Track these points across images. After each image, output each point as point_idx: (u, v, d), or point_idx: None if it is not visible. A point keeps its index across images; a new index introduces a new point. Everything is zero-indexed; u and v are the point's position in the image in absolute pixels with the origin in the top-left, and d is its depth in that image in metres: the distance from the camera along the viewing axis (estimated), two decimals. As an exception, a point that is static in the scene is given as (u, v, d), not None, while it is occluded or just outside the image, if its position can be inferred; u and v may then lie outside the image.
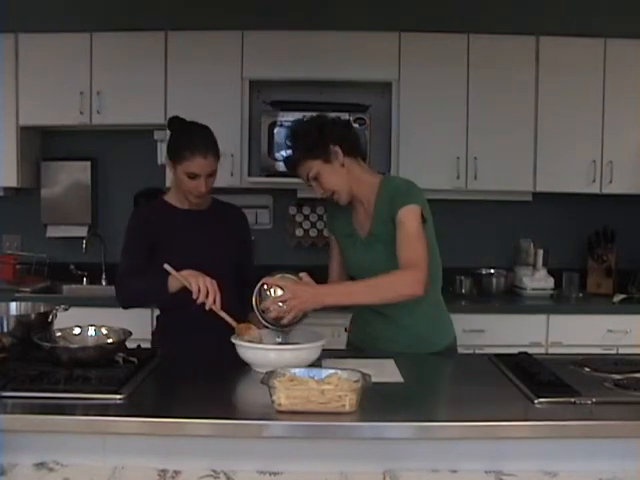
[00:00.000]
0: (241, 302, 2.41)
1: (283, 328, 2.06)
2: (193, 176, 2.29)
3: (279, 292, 2.01)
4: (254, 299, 2.06)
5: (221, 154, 2.37)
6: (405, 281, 2.06)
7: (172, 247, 2.33)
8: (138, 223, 2.40)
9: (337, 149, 2.20)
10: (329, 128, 2.23)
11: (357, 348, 2.39)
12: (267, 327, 2.07)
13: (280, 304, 1.98)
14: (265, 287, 2.05)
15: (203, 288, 2.05)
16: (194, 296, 2.05)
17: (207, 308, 2.05)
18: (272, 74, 3.70)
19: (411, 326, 2.28)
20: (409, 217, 2.13)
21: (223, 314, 2.06)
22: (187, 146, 2.28)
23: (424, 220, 2.16)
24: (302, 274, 2.07)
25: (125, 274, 2.30)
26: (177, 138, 2.34)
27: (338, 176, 2.22)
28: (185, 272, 2.09)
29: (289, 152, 2.29)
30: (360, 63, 3.66)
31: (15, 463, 1.59)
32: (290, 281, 2.04)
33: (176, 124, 2.38)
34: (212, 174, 2.34)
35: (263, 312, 2.04)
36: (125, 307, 2.34)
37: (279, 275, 2.07)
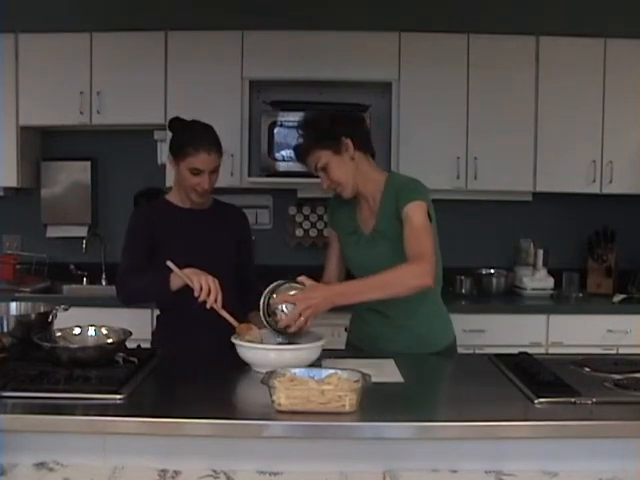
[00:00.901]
0: (241, 302, 2.42)
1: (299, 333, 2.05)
2: (197, 172, 2.30)
3: (285, 307, 2.00)
4: (264, 318, 2.04)
5: (224, 151, 2.38)
6: (413, 273, 2.05)
7: (173, 246, 2.33)
8: (139, 222, 2.40)
9: (348, 142, 2.21)
10: (342, 121, 2.24)
11: (356, 348, 2.39)
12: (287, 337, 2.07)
13: (296, 318, 1.97)
14: (273, 307, 2.04)
15: (205, 286, 2.05)
16: (196, 294, 2.05)
17: (208, 307, 2.05)
18: (272, 74, 3.70)
19: (411, 326, 2.28)
20: (416, 212, 2.13)
21: (224, 313, 2.06)
22: (191, 142, 2.29)
23: (430, 219, 2.16)
24: (300, 278, 2.06)
25: (126, 273, 2.30)
26: (180, 135, 2.35)
27: (346, 169, 2.22)
28: (187, 270, 2.09)
29: (300, 140, 2.28)
30: (360, 63, 3.66)
31: (15, 463, 1.59)
32: (294, 290, 2.03)
33: (177, 124, 2.39)
34: (215, 171, 2.35)
35: (282, 329, 2.02)
36: (126, 305, 2.34)
37: (282, 284, 2.06)
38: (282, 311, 2.01)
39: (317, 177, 2.28)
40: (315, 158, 2.22)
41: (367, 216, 2.31)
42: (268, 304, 2.04)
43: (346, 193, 2.27)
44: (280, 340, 2.08)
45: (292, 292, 2.04)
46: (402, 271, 2.07)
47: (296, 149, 2.31)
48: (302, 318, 1.97)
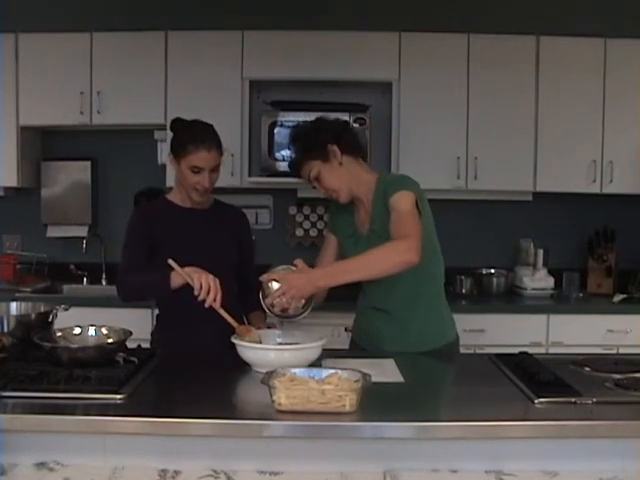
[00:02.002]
0: (241, 302, 2.42)
1: (293, 318, 2.10)
2: (197, 170, 2.30)
3: (276, 285, 2.04)
4: (260, 296, 2.11)
5: (224, 149, 2.38)
6: (398, 249, 2.04)
7: (173, 246, 2.33)
8: (139, 221, 2.40)
9: (335, 148, 2.24)
10: (326, 128, 2.27)
11: (359, 347, 2.40)
12: (281, 319, 2.12)
13: (280, 297, 2.01)
14: (264, 284, 2.09)
15: (205, 285, 2.05)
16: (195, 293, 2.05)
17: (207, 305, 2.05)
18: (272, 74, 3.70)
19: (413, 323, 2.28)
20: (401, 200, 2.15)
21: (223, 312, 2.07)
22: (191, 140, 2.29)
23: (419, 211, 2.16)
24: (296, 261, 2.10)
25: (126, 270, 2.30)
26: (181, 134, 2.35)
27: (337, 175, 2.25)
28: (188, 269, 2.09)
29: (292, 156, 2.34)
30: (360, 63, 3.65)
31: (15, 463, 1.59)
32: (287, 271, 2.08)
33: (178, 124, 2.39)
34: (215, 169, 2.35)
35: (270, 308, 2.08)
36: (125, 301, 2.34)
37: (280, 267, 2.11)
38: (268, 288, 2.07)
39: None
40: (307, 170, 2.27)
41: (363, 218, 2.33)
42: (261, 289, 2.11)
43: (342, 198, 2.29)
44: (280, 340, 2.08)
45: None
46: (386, 249, 2.06)
47: (289, 165, 2.37)
48: (284, 298, 1.99)
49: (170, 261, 2.11)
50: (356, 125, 3.55)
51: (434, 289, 2.33)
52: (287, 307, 2.04)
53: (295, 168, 2.32)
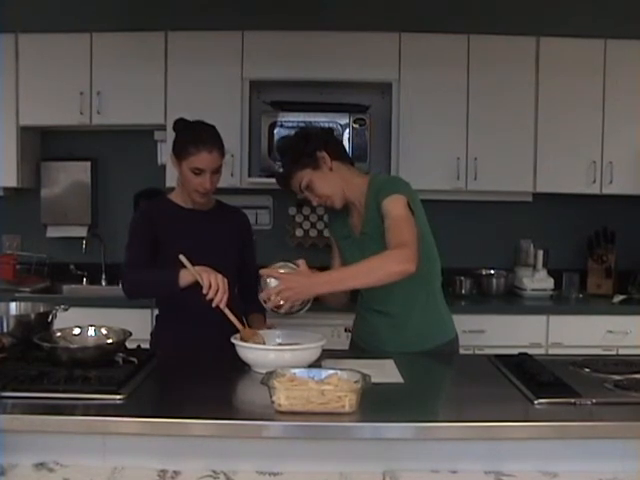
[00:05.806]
0: (242, 302, 2.42)
1: (286, 314, 2.10)
2: (198, 172, 2.30)
3: (274, 282, 2.05)
4: (259, 287, 2.13)
5: (226, 151, 2.38)
6: (395, 259, 2.05)
7: (174, 245, 2.31)
8: (142, 221, 2.40)
9: (324, 154, 2.25)
10: (312, 136, 2.29)
11: (359, 347, 2.41)
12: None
13: (275, 296, 2.03)
14: (262, 278, 2.10)
15: (214, 284, 2.05)
16: (204, 291, 2.05)
17: (214, 305, 2.05)
18: (272, 74, 3.70)
19: (411, 323, 2.29)
20: (394, 204, 2.15)
21: (228, 313, 2.06)
22: (192, 141, 2.29)
23: (412, 212, 2.16)
24: (299, 261, 2.10)
25: (132, 266, 2.29)
26: (183, 135, 2.35)
27: (329, 181, 2.26)
28: (198, 267, 2.10)
29: (280, 170, 2.34)
30: (360, 63, 3.66)
31: (15, 463, 1.59)
32: (287, 269, 2.09)
33: (181, 125, 2.39)
34: (217, 171, 2.35)
35: (265, 301, 2.08)
36: (130, 298, 2.33)
37: (279, 264, 2.12)
38: (267, 283, 2.08)
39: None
40: (297, 180, 2.27)
41: (357, 220, 2.34)
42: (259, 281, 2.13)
43: (336, 204, 2.30)
44: (280, 341, 2.08)
45: (282, 270, 2.10)
46: (384, 257, 2.07)
47: (278, 179, 2.37)
48: (278, 297, 2.01)
49: (181, 257, 2.10)
50: (356, 126, 3.56)
51: (431, 288, 2.33)
52: (280, 306, 2.06)
53: (285, 180, 2.32)
